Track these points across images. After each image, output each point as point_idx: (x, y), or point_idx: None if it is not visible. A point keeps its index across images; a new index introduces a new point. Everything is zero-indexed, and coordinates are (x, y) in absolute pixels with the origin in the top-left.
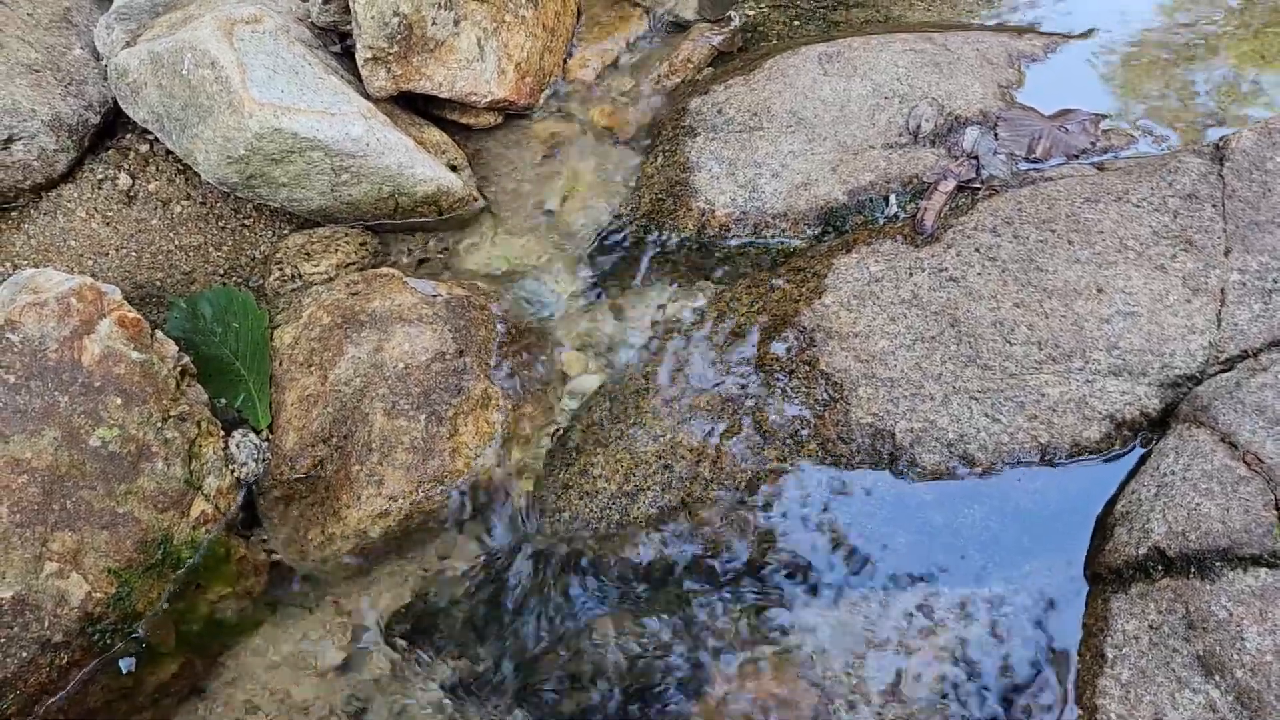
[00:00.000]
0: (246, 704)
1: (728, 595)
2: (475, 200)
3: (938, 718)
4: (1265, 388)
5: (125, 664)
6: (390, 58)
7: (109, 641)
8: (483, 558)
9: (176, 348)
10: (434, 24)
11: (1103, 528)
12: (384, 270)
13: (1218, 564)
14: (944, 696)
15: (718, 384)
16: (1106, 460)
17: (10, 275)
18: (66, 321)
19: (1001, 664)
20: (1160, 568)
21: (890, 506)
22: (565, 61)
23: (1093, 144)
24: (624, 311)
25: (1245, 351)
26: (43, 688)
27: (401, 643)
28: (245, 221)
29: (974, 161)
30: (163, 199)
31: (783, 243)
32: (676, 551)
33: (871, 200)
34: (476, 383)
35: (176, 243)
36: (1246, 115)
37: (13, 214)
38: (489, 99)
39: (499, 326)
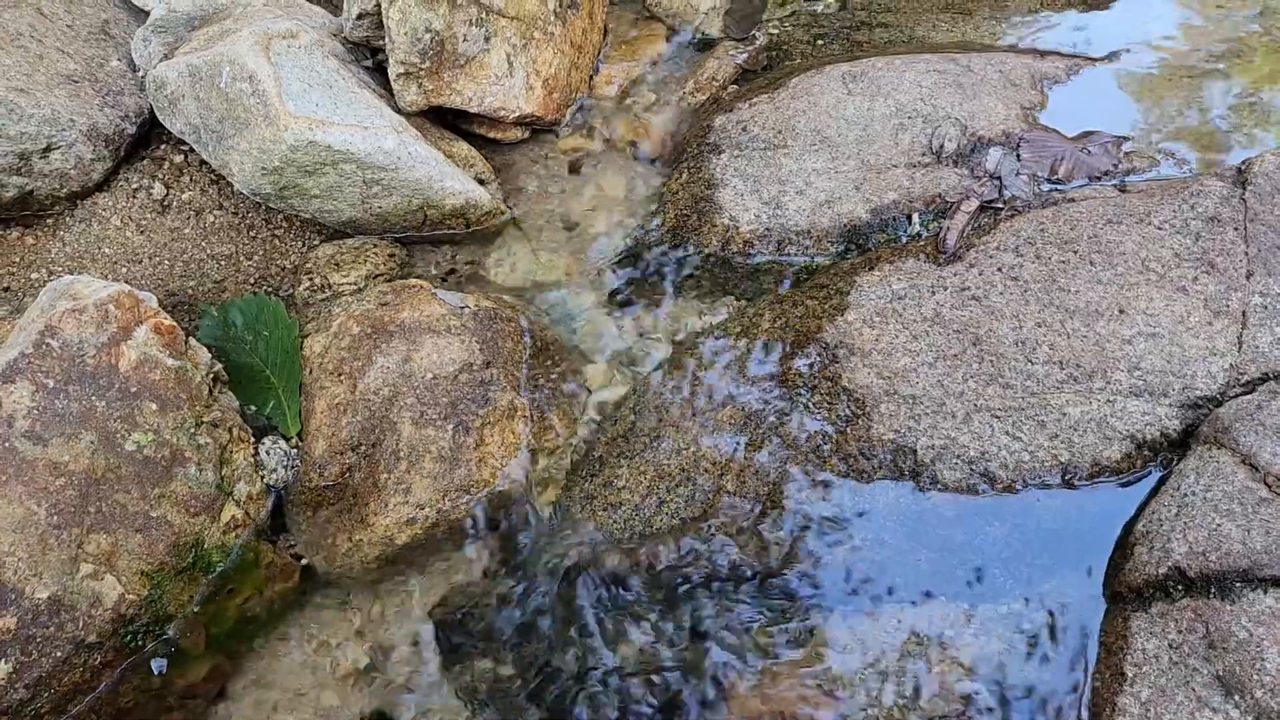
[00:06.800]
0: (273, 706)
1: (748, 607)
2: (502, 213)
3: None
4: None
5: (156, 665)
6: (422, 73)
7: (140, 643)
8: (507, 566)
9: (209, 355)
10: (465, 40)
11: (1123, 547)
12: (413, 281)
13: (1238, 584)
14: (961, 712)
15: (741, 398)
16: (1127, 480)
17: (48, 281)
18: (105, 328)
19: (1020, 680)
20: (1180, 587)
21: (911, 522)
22: (592, 78)
23: (1115, 166)
24: (648, 325)
25: (1266, 374)
26: (76, 687)
27: (426, 648)
28: (276, 231)
29: (997, 182)
30: (196, 208)
31: (806, 259)
32: (698, 563)
33: (895, 219)
34: (503, 394)
35: (208, 251)
36: (1269, 138)
37: (49, 221)
38: (517, 114)
39: (525, 339)
